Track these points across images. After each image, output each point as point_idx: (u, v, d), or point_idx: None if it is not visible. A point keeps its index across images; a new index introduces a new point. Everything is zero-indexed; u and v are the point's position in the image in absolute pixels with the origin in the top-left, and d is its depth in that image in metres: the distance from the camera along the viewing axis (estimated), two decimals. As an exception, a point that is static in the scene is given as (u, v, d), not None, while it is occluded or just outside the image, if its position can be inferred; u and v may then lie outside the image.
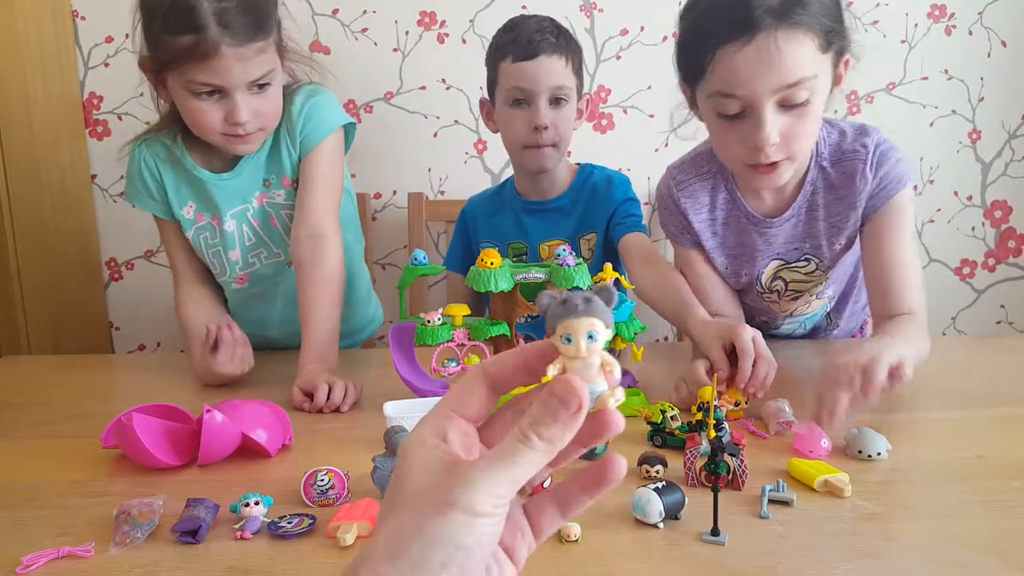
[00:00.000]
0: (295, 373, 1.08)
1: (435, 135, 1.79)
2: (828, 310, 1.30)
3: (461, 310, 1.01)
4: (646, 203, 1.69)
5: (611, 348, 1.02)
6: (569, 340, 0.33)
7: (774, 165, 1.00)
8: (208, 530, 0.66)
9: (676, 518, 0.66)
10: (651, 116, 1.80)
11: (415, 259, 1.04)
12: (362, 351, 1.45)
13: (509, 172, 1.65)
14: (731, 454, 0.72)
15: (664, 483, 0.67)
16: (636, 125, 1.80)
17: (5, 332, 1.78)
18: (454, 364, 0.98)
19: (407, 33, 1.76)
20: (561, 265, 1.00)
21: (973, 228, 1.88)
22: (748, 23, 0.92)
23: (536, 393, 0.34)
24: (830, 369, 0.86)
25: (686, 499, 0.66)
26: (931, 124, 1.83)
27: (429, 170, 1.81)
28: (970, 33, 1.80)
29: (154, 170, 1.25)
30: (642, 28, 1.74)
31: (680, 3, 1.05)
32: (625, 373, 1.04)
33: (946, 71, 1.81)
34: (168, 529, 0.66)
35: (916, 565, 0.59)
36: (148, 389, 1.15)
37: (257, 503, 0.68)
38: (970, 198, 1.87)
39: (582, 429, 0.34)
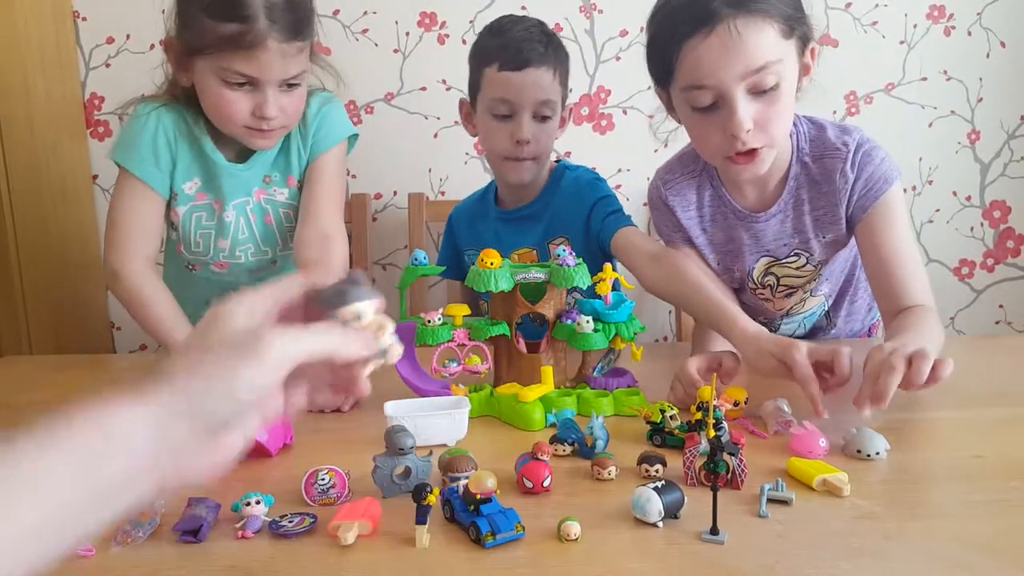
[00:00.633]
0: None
1: (435, 136, 1.80)
2: (826, 309, 1.30)
3: (461, 310, 1.01)
4: (644, 204, 1.70)
5: (611, 347, 1.02)
6: (359, 318, 0.52)
7: (753, 153, 1.02)
8: (209, 529, 0.66)
9: (675, 517, 0.66)
10: (650, 117, 1.80)
11: (415, 259, 1.04)
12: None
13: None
14: (730, 453, 0.72)
15: (663, 482, 0.67)
16: (636, 126, 1.80)
17: (6, 332, 1.78)
18: (455, 364, 0.98)
19: (407, 34, 1.76)
20: (561, 265, 1.00)
21: (972, 228, 1.89)
22: (707, 15, 0.96)
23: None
24: (875, 356, 0.85)
25: (685, 498, 0.66)
26: (930, 124, 1.84)
27: (429, 170, 1.82)
28: (969, 34, 1.80)
29: (170, 139, 1.22)
30: (641, 29, 1.72)
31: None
32: (624, 373, 1.05)
33: (945, 72, 1.81)
34: (169, 528, 0.66)
35: (915, 565, 0.59)
36: (149, 389, 1.15)
37: (258, 502, 0.68)
38: (969, 198, 1.87)
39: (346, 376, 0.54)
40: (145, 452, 0.43)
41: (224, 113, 1.15)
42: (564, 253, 1.01)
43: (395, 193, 1.82)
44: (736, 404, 0.92)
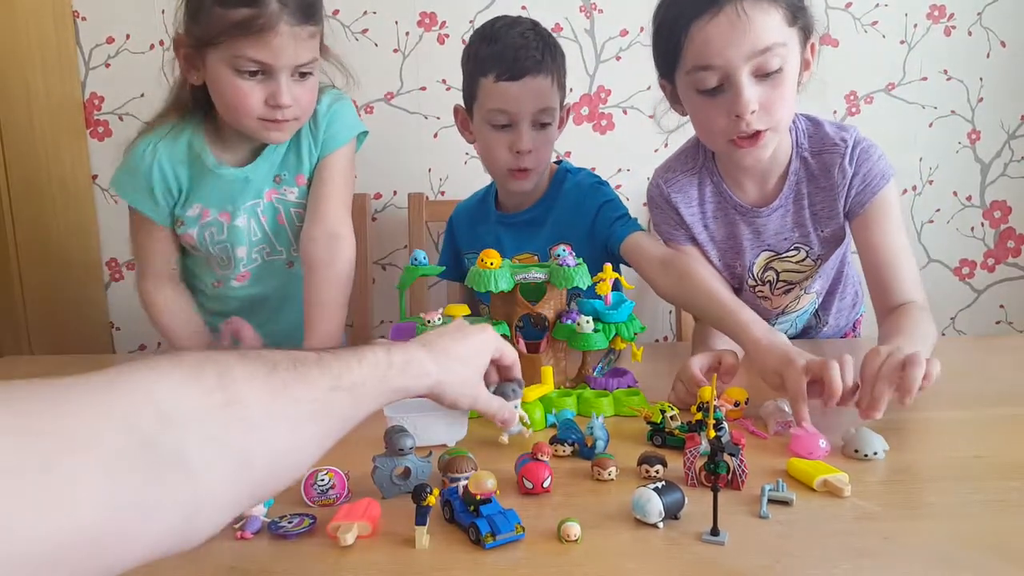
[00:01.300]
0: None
1: (435, 136, 1.80)
2: (816, 307, 1.31)
3: (461, 310, 1.01)
4: (644, 204, 1.70)
5: (611, 347, 1.02)
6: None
7: (757, 136, 1.03)
8: (209, 530, 0.66)
9: (676, 518, 0.66)
10: (651, 116, 1.79)
11: (415, 259, 1.04)
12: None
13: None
14: (731, 454, 0.72)
15: (664, 483, 0.67)
16: (636, 125, 1.80)
17: (6, 332, 1.78)
18: (454, 364, 0.98)
19: (407, 34, 1.76)
20: (561, 265, 1.00)
21: (972, 228, 1.88)
22: None
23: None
24: (870, 362, 0.85)
25: (686, 499, 0.66)
26: (930, 124, 1.84)
27: (429, 170, 1.82)
28: (969, 34, 1.80)
29: (169, 174, 1.23)
30: (641, 29, 1.74)
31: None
32: (625, 373, 1.05)
33: (945, 71, 1.81)
34: (169, 529, 0.66)
35: (915, 565, 0.59)
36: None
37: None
38: (969, 198, 1.87)
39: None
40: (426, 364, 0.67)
41: (238, 105, 1.14)
42: (564, 253, 1.01)
43: (395, 193, 1.82)
44: (736, 404, 0.92)
